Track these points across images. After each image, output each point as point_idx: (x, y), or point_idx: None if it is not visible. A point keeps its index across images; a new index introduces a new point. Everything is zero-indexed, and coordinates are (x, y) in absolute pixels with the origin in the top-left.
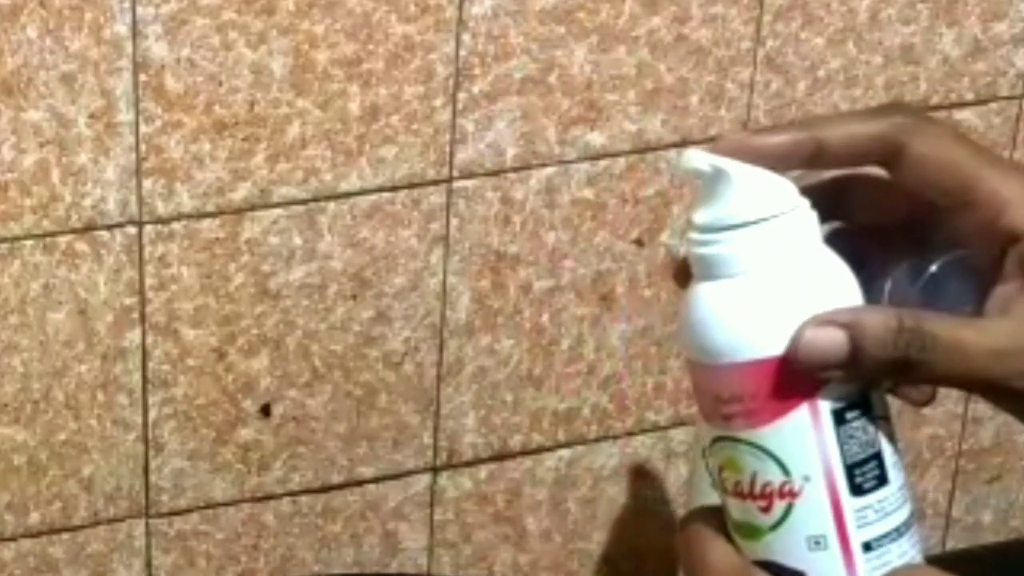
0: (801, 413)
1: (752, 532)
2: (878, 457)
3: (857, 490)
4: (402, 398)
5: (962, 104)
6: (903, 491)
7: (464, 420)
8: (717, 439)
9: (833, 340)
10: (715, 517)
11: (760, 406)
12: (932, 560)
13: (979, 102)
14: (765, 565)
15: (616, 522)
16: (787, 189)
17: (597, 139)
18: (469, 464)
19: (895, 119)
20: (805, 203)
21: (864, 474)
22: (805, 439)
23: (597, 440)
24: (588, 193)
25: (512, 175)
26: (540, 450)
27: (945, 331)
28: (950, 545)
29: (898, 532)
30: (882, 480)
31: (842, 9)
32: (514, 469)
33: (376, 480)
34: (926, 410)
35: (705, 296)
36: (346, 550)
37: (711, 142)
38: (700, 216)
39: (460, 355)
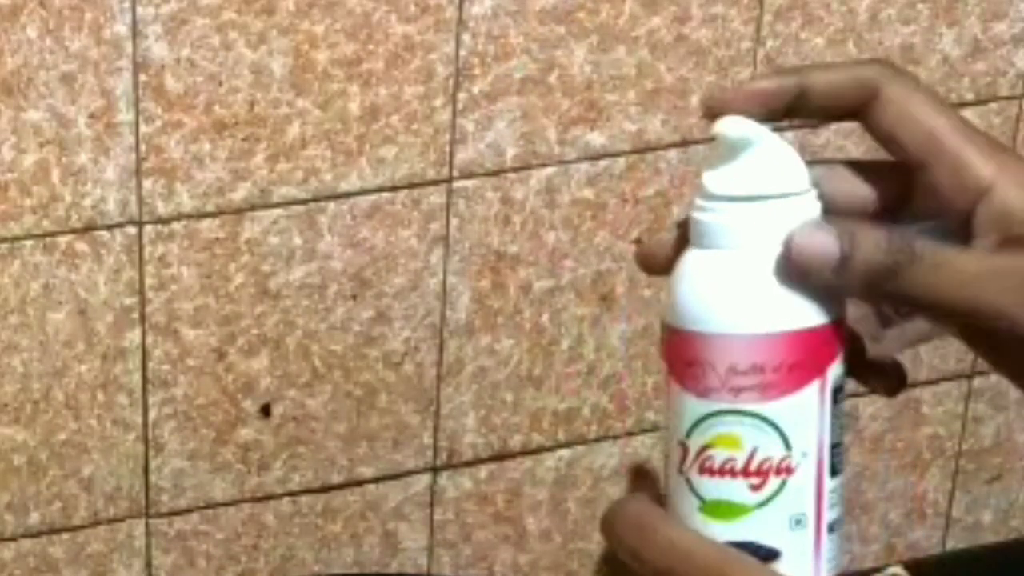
0: (812, 388)
1: (732, 512)
2: (843, 441)
3: (833, 471)
4: (402, 398)
5: (962, 104)
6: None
7: (464, 420)
8: (714, 414)
9: (824, 243)
10: (658, 501)
11: (778, 379)
12: (932, 560)
13: (979, 102)
14: (737, 546)
15: None
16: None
17: (597, 139)
18: (469, 464)
19: (874, 67)
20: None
21: (838, 455)
22: (810, 415)
23: (597, 440)
24: (588, 193)
25: (512, 175)
26: (540, 450)
27: (933, 248)
28: (950, 545)
29: (840, 523)
30: (842, 465)
31: (842, 9)
32: (514, 469)
33: (376, 480)
34: (926, 410)
35: (734, 264)
36: (346, 550)
37: (711, 141)
38: (727, 183)
39: (460, 355)
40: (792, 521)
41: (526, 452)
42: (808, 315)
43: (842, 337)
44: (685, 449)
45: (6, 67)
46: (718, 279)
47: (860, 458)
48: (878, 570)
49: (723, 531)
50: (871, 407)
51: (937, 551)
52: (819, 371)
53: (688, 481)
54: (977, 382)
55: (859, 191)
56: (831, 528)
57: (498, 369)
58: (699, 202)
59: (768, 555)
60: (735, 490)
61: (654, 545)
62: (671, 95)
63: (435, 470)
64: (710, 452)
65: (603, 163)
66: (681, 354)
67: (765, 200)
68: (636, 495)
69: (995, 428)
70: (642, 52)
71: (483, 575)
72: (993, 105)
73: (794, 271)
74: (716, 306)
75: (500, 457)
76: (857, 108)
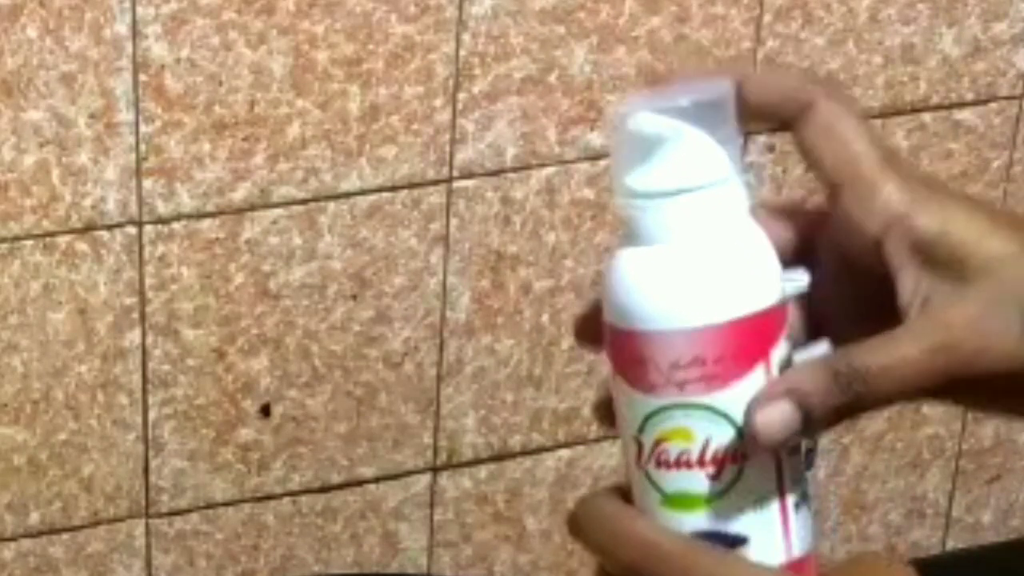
0: (757, 373)
1: (693, 502)
2: None
3: (792, 449)
4: (402, 398)
5: (962, 104)
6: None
7: (464, 420)
8: (662, 409)
9: (784, 413)
10: (624, 496)
11: (721, 369)
12: (932, 560)
13: (979, 102)
14: (700, 538)
15: None
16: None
17: (597, 139)
18: (469, 464)
19: (811, 83)
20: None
21: None
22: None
23: (597, 440)
24: (588, 193)
25: (512, 175)
26: (540, 450)
27: (877, 355)
28: (950, 545)
29: (808, 499)
30: (802, 443)
31: (842, 9)
32: (514, 469)
33: (376, 480)
34: (926, 410)
35: (665, 260)
36: (346, 550)
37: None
38: (651, 180)
39: (460, 355)
40: (755, 505)
41: (526, 452)
42: (745, 302)
43: (783, 317)
44: (640, 444)
45: (6, 67)
46: (651, 276)
47: (860, 458)
48: None
49: (687, 522)
50: None
51: (937, 551)
52: (762, 354)
53: (647, 475)
54: None
55: (776, 237)
56: (797, 506)
57: (498, 369)
58: (623, 201)
59: (735, 541)
60: (693, 481)
61: (622, 541)
62: None
63: (435, 470)
64: (664, 446)
65: (603, 163)
66: (623, 352)
67: (691, 192)
68: (601, 491)
69: (995, 428)
70: (642, 52)
71: (483, 575)
72: (993, 105)
73: (763, 448)
74: (652, 303)
75: (500, 457)
76: (789, 118)
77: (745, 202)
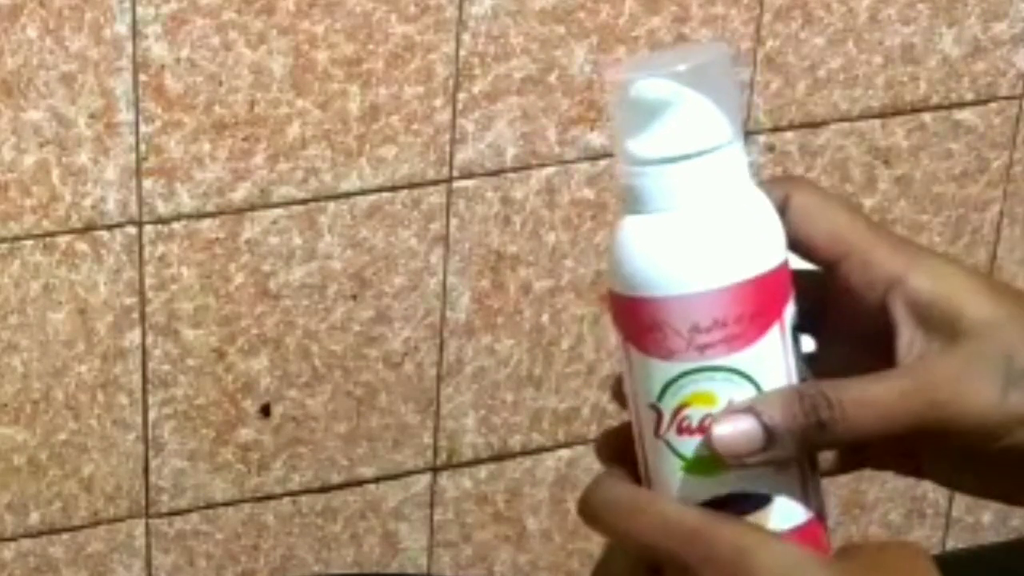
0: (774, 332)
1: (716, 466)
2: (808, 378)
3: None
4: (402, 398)
5: (962, 104)
6: None
7: (464, 420)
8: (684, 374)
9: (746, 428)
10: (632, 476)
11: (741, 329)
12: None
13: (979, 102)
14: (724, 500)
15: None
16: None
17: (597, 139)
18: (469, 464)
19: (785, 180)
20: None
21: None
22: (776, 358)
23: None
24: (588, 193)
25: (512, 175)
26: (540, 450)
27: (850, 388)
28: (950, 545)
29: (815, 464)
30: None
31: (842, 9)
32: (514, 469)
33: (376, 480)
34: None
35: (679, 224)
36: (346, 550)
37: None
38: (657, 146)
39: (460, 355)
40: (776, 464)
41: (526, 452)
42: (759, 261)
43: (790, 277)
44: (659, 413)
45: (6, 67)
46: (666, 241)
47: None
48: None
49: (710, 486)
50: None
51: (937, 551)
52: (777, 314)
53: (667, 444)
54: None
55: None
56: (812, 468)
57: (498, 369)
58: (629, 168)
59: (760, 501)
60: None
61: (641, 520)
62: None
63: (435, 470)
64: (686, 412)
65: (603, 163)
66: (639, 320)
67: (699, 156)
68: (608, 474)
69: None
70: (642, 52)
71: (483, 575)
72: (993, 105)
73: (727, 458)
74: (669, 268)
75: (500, 457)
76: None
77: (747, 163)
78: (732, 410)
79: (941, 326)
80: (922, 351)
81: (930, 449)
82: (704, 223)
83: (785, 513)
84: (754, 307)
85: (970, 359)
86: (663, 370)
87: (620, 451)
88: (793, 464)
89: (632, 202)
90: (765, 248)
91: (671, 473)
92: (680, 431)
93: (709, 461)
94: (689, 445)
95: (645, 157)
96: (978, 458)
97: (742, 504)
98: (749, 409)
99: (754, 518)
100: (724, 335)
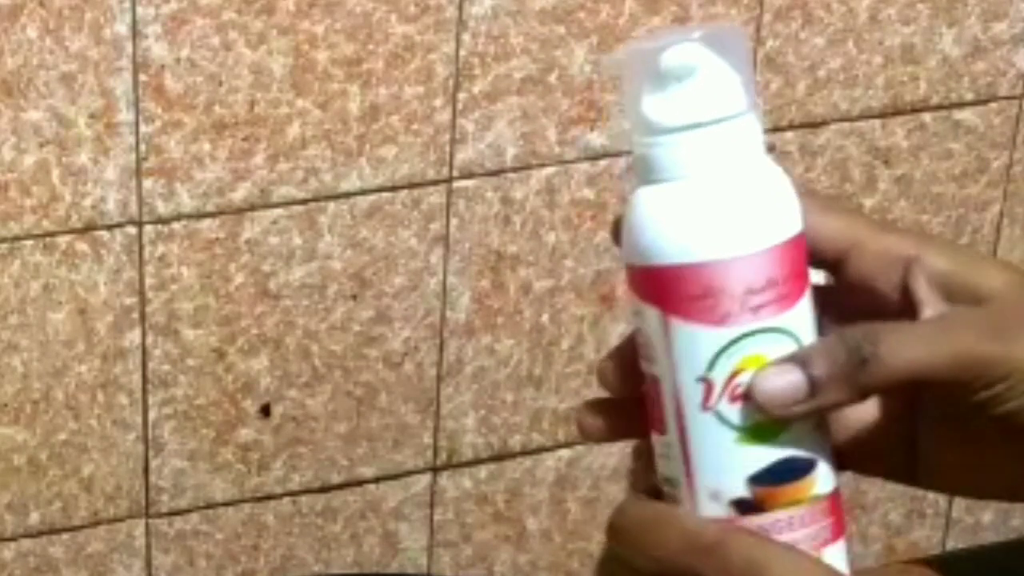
0: (808, 291)
1: (770, 432)
2: None
3: None
4: (402, 398)
5: (962, 104)
6: None
7: (464, 420)
8: (740, 338)
9: (790, 378)
10: (654, 496)
11: (789, 288)
12: (932, 560)
13: (979, 102)
14: (774, 468)
15: None
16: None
17: (597, 139)
18: (469, 464)
19: None
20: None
21: None
22: (811, 317)
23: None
24: (588, 193)
25: (512, 175)
26: (540, 450)
27: (885, 326)
28: (950, 545)
29: None
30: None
31: (842, 9)
32: (514, 469)
33: (376, 480)
34: None
35: (719, 190)
36: (346, 550)
37: None
38: (690, 112)
39: (460, 355)
40: (816, 427)
41: (526, 452)
42: (796, 220)
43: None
44: (709, 384)
45: (6, 67)
46: (718, 205)
47: None
48: None
49: (763, 454)
50: None
51: (937, 551)
52: (807, 273)
53: (718, 415)
54: None
55: None
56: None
57: (498, 369)
58: (659, 138)
59: (806, 466)
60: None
61: (660, 537)
62: None
63: (435, 470)
64: (739, 378)
65: (603, 163)
66: (686, 289)
67: (736, 118)
68: (635, 496)
69: None
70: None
71: (483, 575)
72: (993, 105)
73: (775, 410)
74: (724, 232)
75: (500, 457)
76: None
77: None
78: (775, 363)
79: (963, 294)
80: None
81: (941, 415)
82: (750, 185)
83: (824, 477)
84: (797, 266)
85: (1001, 312)
86: (715, 337)
87: (624, 374)
88: (828, 427)
89: (663, 171)
90: (796, 208)
91: (720, 446)
92: (733, 399)
93: (760, 427)
94: (743, 412)
95: (682, 123)
96: (983, 428)
97: (791, 470)
98: (792, 359)
99: (803, 483)
100: (775, 295)
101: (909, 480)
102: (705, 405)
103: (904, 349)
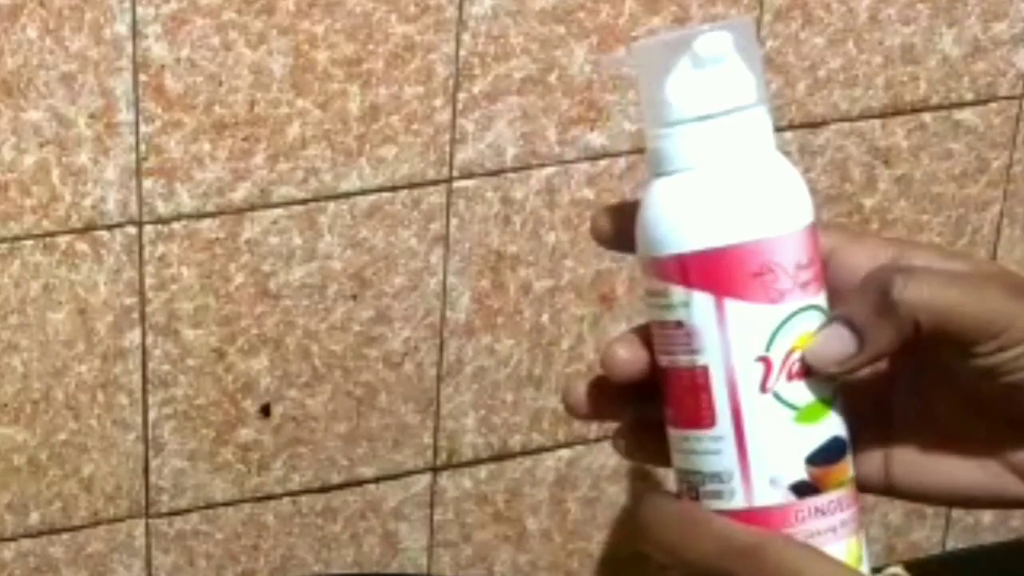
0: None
1: (821, 410)
2: None
3: None
4: (402, 398)
5: (962, 104)
6: None
7: (464, 420)
8: (792, 315)
9: (840, 336)
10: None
11: (819, 268)
12: (932, 560)
13: (979, 102)
14: (824, 449)
15: (616, 522)
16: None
17: (597, 139)
18: (469, 464)
19: None
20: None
21: None
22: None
23: (597, 440)
24: (588, 193)
25: (512, 175)
26: (540, 450)
27: (915, 266)
28: (950, 545)
29: None
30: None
31: (842, 9)
32: (514, 469)
33: (376, 480)
34: None
35: (770, 168)
36: (346, 550)
37: None
38: (733, 97)
39: (460, 355)
40: (842, 404)
41: (526, 452)
42: (812, 206)
43: None
44: (768, 364)
45: (6, 67)
46: (767, 183)
47: None
48: (878, 570)
49: (816, 434)
50: None
51: (937, 551)
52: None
53: (776, 396)
54: None
55: None
56: None
57: (498, 369)
58: (688, 127)
59: (845, 446)
60: (820, 386)
61: (694, 538)
62: None
63: (435, 470)
64: (795, 356)
65: (603, 163)
66: (742, 268)
67: (761, 106)
68: (658, 492)
69: None
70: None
71: (483, 575)
72: (993, 105)
73: (829, 368)
74: (775, 208)
75: (500, 457)
76: None
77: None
78: (819, 329)
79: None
80: None
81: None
82: (784, 165)
83: (851, 459)
84: (818, 249)
85: (1012, 280)
86: (772, 315)
87: (635, 359)
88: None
89: (700, 156)
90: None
91: (778, 428)
92: (791, 377)
93: (816, 405)
94: (800, 391)
95: (725, 108)
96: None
97: (838, 449)
98: (833, 318)
99: (845, 462)
100: (815, 272)
101: (882, 481)
102: (764, 386)
103: (926, 284)
